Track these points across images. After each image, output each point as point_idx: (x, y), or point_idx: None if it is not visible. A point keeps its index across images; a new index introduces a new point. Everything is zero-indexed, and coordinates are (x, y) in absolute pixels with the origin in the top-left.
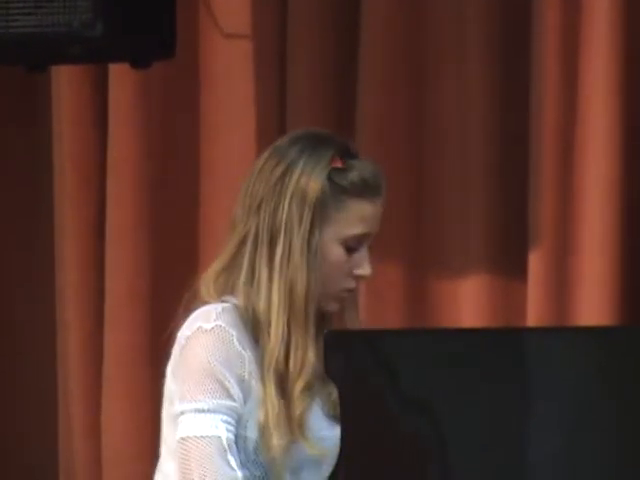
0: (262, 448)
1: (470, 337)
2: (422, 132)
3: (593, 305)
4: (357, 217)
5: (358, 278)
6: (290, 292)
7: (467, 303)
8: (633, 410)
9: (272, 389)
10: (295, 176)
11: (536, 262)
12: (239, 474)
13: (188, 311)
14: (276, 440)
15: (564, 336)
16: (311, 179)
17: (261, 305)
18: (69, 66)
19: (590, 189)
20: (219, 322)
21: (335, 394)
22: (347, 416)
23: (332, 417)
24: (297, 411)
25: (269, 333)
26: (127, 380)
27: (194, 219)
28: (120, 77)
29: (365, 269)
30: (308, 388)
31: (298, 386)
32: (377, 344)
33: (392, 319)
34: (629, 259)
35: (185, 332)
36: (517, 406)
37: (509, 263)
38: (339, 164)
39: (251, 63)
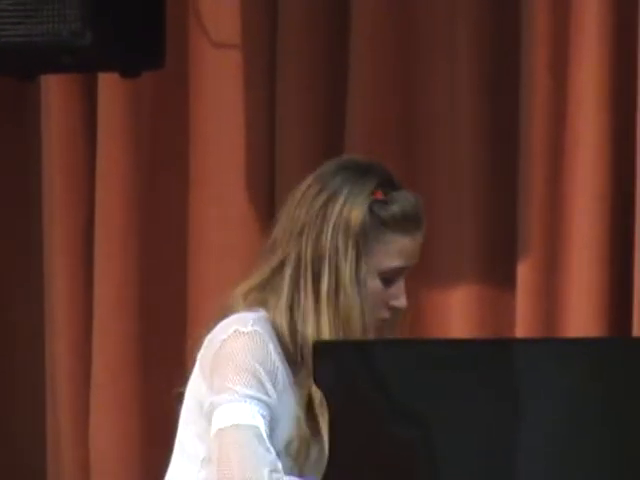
0: (287, 458)
1: (459, 348)
2: (412, 145)
3: (581, 316)
4: (396, 251)
5: (393, 309)
6: (346, 323)
7: (456, 314)
8: (622, 420)
9: (297, 397)
10: (338, 205)
11: (525, 273)
12: (278, 460)
13: (216, 320)
14: (298, 443)
15: (552, 347)
16: (353, 209)
17: (309, 331)
18: (58, 75)
19: (579, 200)
20: (256, 327)
21: None
22: (335, 425)
23: None
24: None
25: None
26: (116, 388)
27: (183, 228)
28: (109, 86)
29: (401, 301)
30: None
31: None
32: (365, 354)
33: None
34: (618, 270)
35: (220, 336)
36: (505, 416)
37: (498, 274)
38: (381, 196)
39: (241, 72)
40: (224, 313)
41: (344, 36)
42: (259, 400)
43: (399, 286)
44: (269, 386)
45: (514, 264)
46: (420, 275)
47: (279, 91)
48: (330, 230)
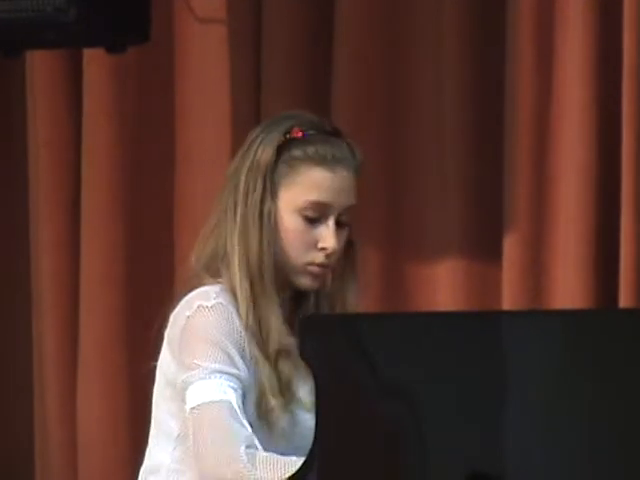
0: (260, 424)
1: (446, 321)
2: (398, 117)
3: (568, 289)
4: (312, 184)
5: (322, 251)
6: (247, 260)
7: (443, 287)
8: (608, 392)
9: (258, 355)
10: (253, 149)
11: (511, 246)
12: (252, 434)
13: (181, 293)
14: (273, 402)
15: (539, 319)
16: (265, 149)
17: (231, 277)
18: (44, 51)
19: (565, 173)
20: (219, 300)
21: None
22: (322, 399)
23: None
24: (281, 376)
25: (239, 303)
26: (103, 364)
27: (169, 203)
28: (95, 61)
29: (327, 242)
30: (283, 353)
31: (271, 350)
32: (352, 328)
33: (368, 303)
34: (603, 243)
35: (184, 312)
36: (493, 389)
37: (484, 247)
38: (298, 134)
39: (226, 47)
40: (188, 287)
41: (330, 9)
42: (229, 374)
43: (327, 227)
44: (237, 358)
45: (500, 237)
46: (407, 249)
47: (264, 66)
48: (245, 173)
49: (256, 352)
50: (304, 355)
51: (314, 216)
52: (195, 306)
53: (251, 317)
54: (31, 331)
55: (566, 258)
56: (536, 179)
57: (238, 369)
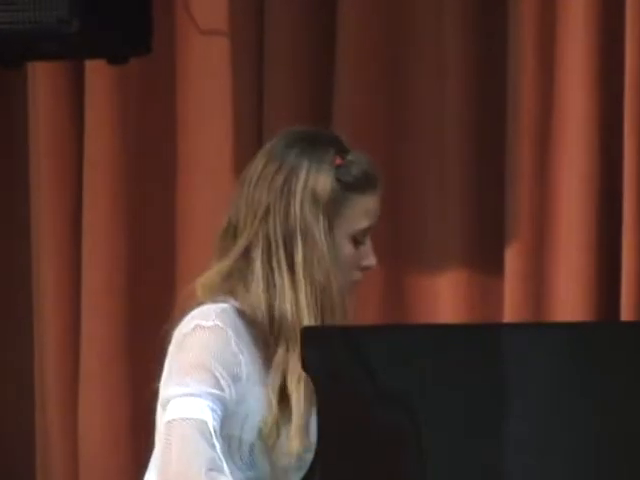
0: (264, 450)
1: (447, 333)
2: (399, 129)
3: (570, 300)
4: (363, 211)
5: (364, 269)
6: (322, 293)
7: (444, 299)
8: (609, 404)
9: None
10: (302, 179)
11: (513, 257)
12: (221, 458)
13: (183, 312)
14: (296, 446)
15: (541, 332)
16: (318, 180)
17: (287, 307)
18: (45, 62)
19: (566, 183)
20: (217, 322)
21: None
22: (324, 411)
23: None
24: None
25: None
26: (104, 373)
27: (171, 213)
28: (96, 73)
29: (371, 260)
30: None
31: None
32: (354, 339)
33: (369, 315)
34: (606, 253)
35: (182, 330)
36: (494, 401)
37: (486, 259)
38: (339, 161)
39: (228, 59)
40: (189, 306)
41: (332, 23)
42: (211, 395)
43: (368, 246)
44: (224, 383)
45: (502, 248)
46: (408, 260)
47: (266, 78)
48: (298, 205)
49: (266, 377)
50: (305, 365)
51: (361, 239)
52: (192, 325)
53: None
54: (32, 341)
55: (568, 269)
56: (538, 190)
57: (223, 391)
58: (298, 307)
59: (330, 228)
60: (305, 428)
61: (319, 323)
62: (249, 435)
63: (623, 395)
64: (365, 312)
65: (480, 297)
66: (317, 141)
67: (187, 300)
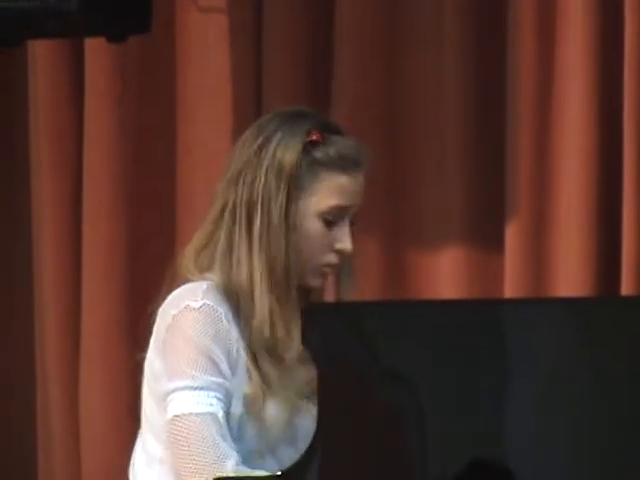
0: (251, 420)
1: (447, 309)
2: (398, 108)
3: (569, 277)
4: (334, 189)
5: (339, 253)
6: (271, 266)
7: (445, 275)
8: (609, 379)
9: (266, 360)
10: (271, 149)
11: (513, 234)
12: (235, 450)
13: (171, 287)
14: (273, 410)
15: (541, 307)
16: (287, 151)
17: (243, 279)
18: (45, 40)
19: (566, 162)
20: (206, 300)
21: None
22: (324, 387)
23: (310, 400)
24: (295, 380)
25: (253, 307)
26: (105, 355)
27: (171, 194)
28: (96, 51)
29: (345, 244)
30: (301, 359)
31: (290, 355)
32: (354, 316)
33: (370, 292)
34: (606, 230)
35: (171, 310)
36: (494, 375)
37: (486, 235)
38: (317, 137)
39: (227, 37)
40: (177, 280)
41: (331, 1)
42: (216, 383)
43: (343, 229)
44: (224, 365)
45: (502, 226)
46: (407, 237)
47: (265, 56)
48: (263, 174)
49: (262, 356)
50: (306, 343)
51: (333, 219)
52: (182, 306)
53: (269, 322)
54: (33, 326)
55: (568, 247)
56: (537, 168)
57: (224, 377)
58: (251, 279)
59: (291, 200)
60: (286, 397)
61: (270, 299)
62: (237, 408)
63: (624, 369)
64: (365, 290)
65: (480, 275)
66: (299, 117)
67: (174, 276)
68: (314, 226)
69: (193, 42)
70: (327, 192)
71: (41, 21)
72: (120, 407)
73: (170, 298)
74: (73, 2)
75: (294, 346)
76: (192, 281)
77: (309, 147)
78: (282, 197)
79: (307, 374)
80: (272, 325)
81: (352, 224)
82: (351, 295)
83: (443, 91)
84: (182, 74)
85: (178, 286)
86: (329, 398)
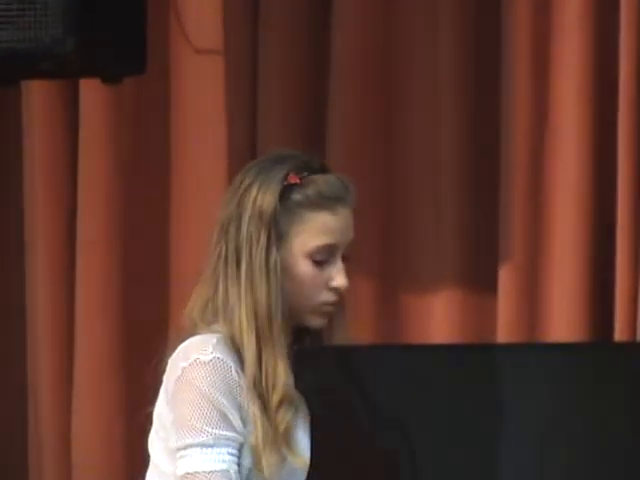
0: (255, 471)
1: (440, 353)
2: (393, 148)
3: (563, 320)
4: (318, 229)
5: (334, 290)
6: (255, 312)
7: (438, 318)
8: (605, 424)
9: (256, 409)
10: (252, 197)
11: (506, 277)
12: None
13: (178, 339)
14: (265, 460)
15: (534, 352)
16: (265, 197)
17: (236, 327)
18: (40, 81)
19: (561, 204)
20: (217, 354)
21: None
22: (317, 431)
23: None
24: (281, 426)
25: (245, 354)
26: (98, 392)
27: (164, 232)
28: (91, 92)
29: (338, 281)
30: (287, 402)
31: (275, 400)
32: (347, 360)
33: (362, 334)
34: (600, 273)
35: (181, 363)
36: (487, 421)
37: (479, 279)
38: (295, 180)
39: (222, 79)
40: (185, 334)
41: (326, 44)
42: (228, 439)
43: (335, 266)
44: (236, 419)
45: (495, 268)
46: (401, 280)
47: (260, 97)
48: (246, 221)
49: (255, 404)
50: (299, 386)
51: (323, 259)
52: (192, 358)
53: (257, 368)
54: (26, 362)
55: (562, 289)
56: (531, 209)
57: (236, 431)
58: (240, 326)
59: (273, 244)
60: (278, 450)
61: (256, 343)
62: (246, 459)
63: (618, 415)
64: (358, 331)
65: (474, 317)
66: (278, 162)
67: (180, 329)
68: (304, 268)
69: (188, 83)
70: (312, 233)
71: (36, 62)
72: (113, 450)
73: (180, 350)
74: (68, 43)
75: (278, 390)
76: (200, 333)
77: (287, 190)
78: (263, 242)
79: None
80: (260, 370)
81: (346, 258)
82: (343, 332)
83: (437, 130)
84: (177, 115)
85: (186, 338)
86: (321, 440)
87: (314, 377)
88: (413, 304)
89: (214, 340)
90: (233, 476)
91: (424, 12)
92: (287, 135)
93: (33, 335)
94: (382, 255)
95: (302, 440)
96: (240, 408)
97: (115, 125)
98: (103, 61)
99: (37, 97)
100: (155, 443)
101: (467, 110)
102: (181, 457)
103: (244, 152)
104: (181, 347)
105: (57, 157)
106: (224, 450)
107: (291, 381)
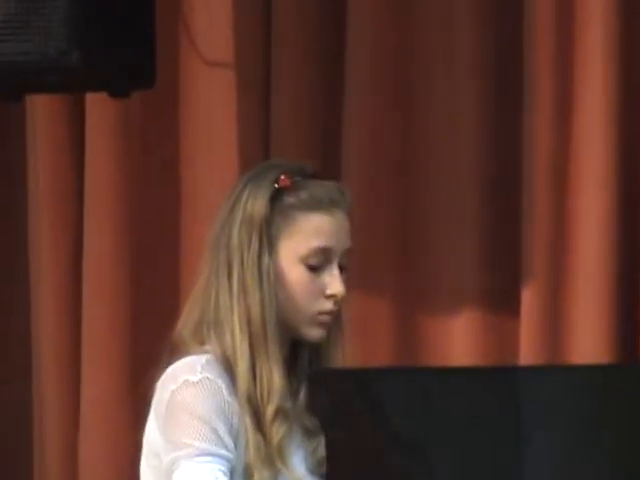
0: None
1: (460, 375)
2: (410, 163)
3: (587, 341)
4: (311, 230)
5: (331, 298)
6: (247, 319)
7: (458, 339)
8: (627, 449)
9: (249, 422)
10: (242, 205)
11: (529, 298)
12: None
13: (170, 359)
14: (258, 474)
15: (557, 374)
16: (255, 202)
17: (227, 341)
18: (45, 95)
19: (584, 223)
20: (205, 374)
21: (321, 451)
22: (332, 456)
23: (314, 473)
24: (274, 439)
25: (237, 367)
26: (106, 418)
27: (174, 248)
28: (98, 106)
29: (335, 288)
30: (281, 414)
31: (269, 411)
32: (363, 383)
33: (380, 355)
34: (624, 296)
35: (169, 385)
36: (508, 445)
37: (501, 299)
38: (286, 183)
39: (233, 91)
40: (176, 351)
41: (340, 56)
42: (219, 456)
43: (331, 272)
44: (226, 437)
45: (518, 290)
46: (421, 301)
47: (273, 111)
48: (237, 229)
49: (247, 420)
50: (313, 409)
51: (318, 263)
52: (180, 380)
53: (251, 379)
54: (31, 390)
55: (586, 309)
56: (555, 228)
57: (227, 449)
58: (233, 337)
59: (262, 250)
60: (272, 465)
61: (249, 353)
62: (239, 478)
63: None
64: (375, 353)
65: (495, 337)
66: (267, 169)
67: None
68: (298, 273)
69: (198, 97)
70: (305, 234)
71: (42, 76)
72: (121, 469)
73: (169, 371)
74: (75, 56)
75: (273, 401)
76: (191, 353)
77: (278, 193)
78: (255, 247)
79: (310, 444)
80: (254, 381)
81: (343, 270)
82: (340, 346)
83: (458, 148)
84: (186, 128)
85: (179, 358)
86: (336, 463)
87: (329, 400)
88: (433, 324)
89: (203, 360)
90: None
91: (440, 28)
92: (300, 149)
93: (39, 367)
94: (402, 274)
95: (296, 454)
96: (231, 427)
97: (123, 139)
98: (110, 75)
99: (42, 111)
100: (147, 474)
101: (487, 131)
102: (173, 470)
103: (255, 165)
104: (170, 369)
105: (63, 173)
106: (216, 466)
107: (287, 397)
